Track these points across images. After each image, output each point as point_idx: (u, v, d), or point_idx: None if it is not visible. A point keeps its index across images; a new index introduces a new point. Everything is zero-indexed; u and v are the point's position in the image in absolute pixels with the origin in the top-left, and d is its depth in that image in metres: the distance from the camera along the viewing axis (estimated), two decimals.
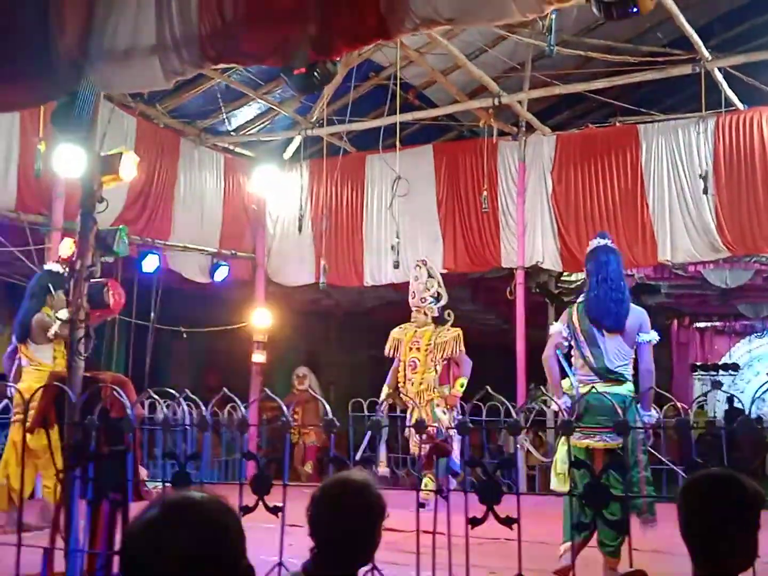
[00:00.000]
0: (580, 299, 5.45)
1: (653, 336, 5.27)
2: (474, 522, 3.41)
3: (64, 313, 6.67)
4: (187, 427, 4.25)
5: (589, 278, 5.40)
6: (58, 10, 4.41)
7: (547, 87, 9.61)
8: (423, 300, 8.40)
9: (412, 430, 7.37)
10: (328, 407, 3.91)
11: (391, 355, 8.45)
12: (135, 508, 3.95)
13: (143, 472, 4.68)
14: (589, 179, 9.85)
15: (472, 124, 10.99)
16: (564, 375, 5.42)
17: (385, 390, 8.37)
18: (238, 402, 4.07)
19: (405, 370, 8.27)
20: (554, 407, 5.49)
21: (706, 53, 8.37)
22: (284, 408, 3.98)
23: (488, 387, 3.85)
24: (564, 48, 8.49)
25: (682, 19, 7.66)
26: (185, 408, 4.42)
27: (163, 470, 8.56)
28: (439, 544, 3.71)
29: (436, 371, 8.16)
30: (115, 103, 8.70)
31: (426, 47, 9.43)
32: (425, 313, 8.36)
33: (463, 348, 8.24)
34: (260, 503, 3.73)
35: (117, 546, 4.02)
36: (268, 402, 8.41)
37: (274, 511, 3.66)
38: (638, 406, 5.05)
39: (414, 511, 3.69)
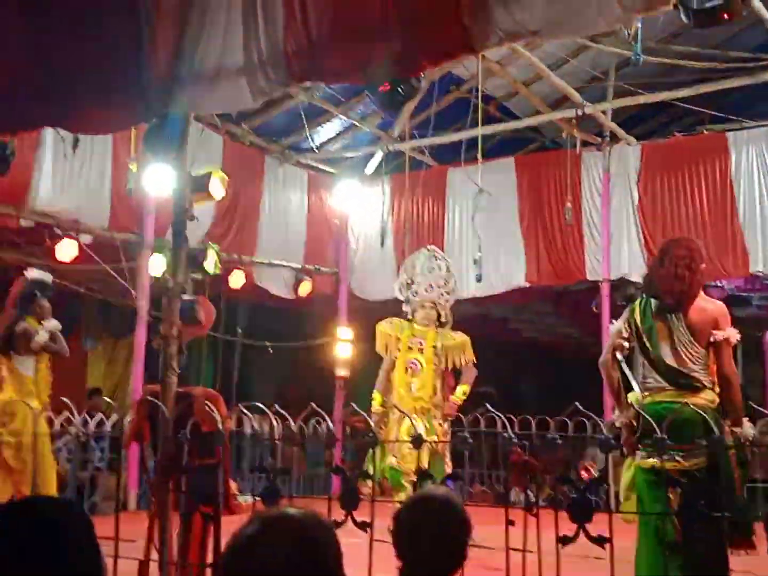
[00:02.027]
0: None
1: (732, 333, 4.36)
2: (565, 540, 3.35)
3: (51, 324, 6.45)
4: (276, 441, 4.30)
5: (653, 263, 4.72)
6: (150, 35, 4.53)
7: (631, 96, 9.45)
8: (442, 296, 7.38)
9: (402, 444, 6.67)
10: (416, 422, 3.89)
11: (384, 353, 7.40)
12: (226, 521, 4.02)
13: (233, 486, 4.75)
14: (677, 189, 9.64)
15: (555, 135, 10.88)
16: (628, 384, 4.70)
17: (377, 397, 7.24)
18: (326, 416, 4.10)
19: (400, 371, 7.22)
20: (616, 420, 4.52)
21: None
22: (371, 423, 3.99)
23: (577, 403, 3.79)
24: (648, 56, 8.33)
25: None
26: (273, 422, 4.47)
27: (250, 483, 8.73)
28: (529, 560, 3.67)
29: (441, 378, 7.26)
30: (203, 123, 8.92)
31: (507, 59, 9.39)
32: (438, 312, 7.34)
33: (471, 356, 7.31)
34: (348, 518, 3.74)
35: (209, 558, 4.10)
36: (352, 416, 8.45)
37: (363, 526, 3.66)
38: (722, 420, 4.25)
39: (502, 527, 3.65)
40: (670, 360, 4.30)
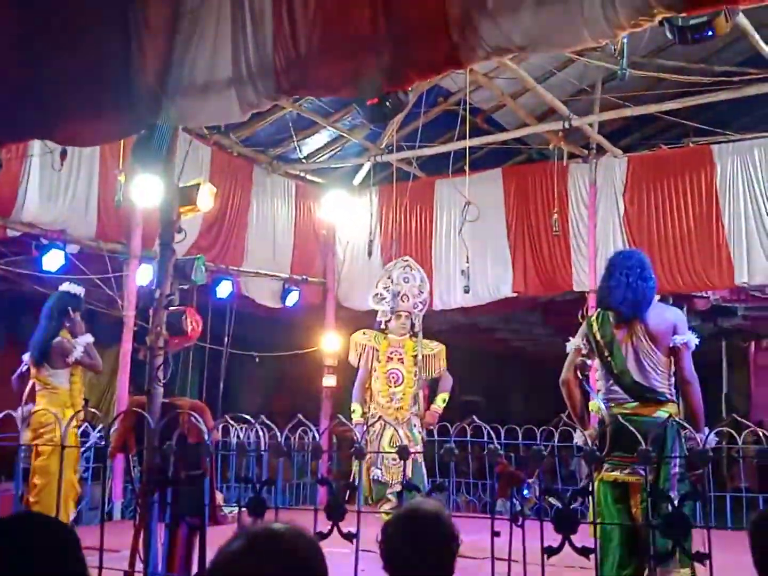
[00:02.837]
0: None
1: (691, 337, 4.38)
2: (550, 551, 3.37)
3: (85, 339, 6.58)
4: (262, 452, 4.31)
5: (602, 278, 4.63)
6: (139, 47, 4.54)
7: (617, 109, 9.52)
8: (416, 306, 7.42)
9: (384, 455, 6.76)
10: (401, 433, 3.91)
11: (357, 364, 7.41)
12: (212, 532, 4.02)
13: (219, 497, 4.75)
14: (662, 201, 9.71)
15: (541, 147, 10.94)
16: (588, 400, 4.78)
17: (357, 409, 7.23)
18: (312, 428, 4.11)
19: (382, 382, 7.24)
20: (577, 439, 4.50)
21: None
22: (357, 434, 4.00)
23: (563, 415, 3.81)
24: (635, 69, 8.40)
25: (757, 37, 7.53)
26: (259, 433, 4.47)
27: (236, 493, 8.71)
28: (515, 570, 3.68)
29: (419, 386, 7.28)
30: (190, 134, 8.93)
31: (495, 71, 9.45)
32: (412, 321, 7.37)
33: (445, 365, 7.42)
34: (334, 528, 3.74)
35: (194, 569, 4.10)
36: (338, 426, 8.45)
37: (349, 537, 3.67)
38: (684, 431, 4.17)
39: (488, 537, 3.66)
40: (633, 372, 4.33)
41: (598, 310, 4.62)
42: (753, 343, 15.77)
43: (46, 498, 5.95)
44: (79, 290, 6.84)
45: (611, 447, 3.84)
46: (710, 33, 3.31)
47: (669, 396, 4.35)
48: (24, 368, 6.64)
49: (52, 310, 6.61)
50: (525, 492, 3.93)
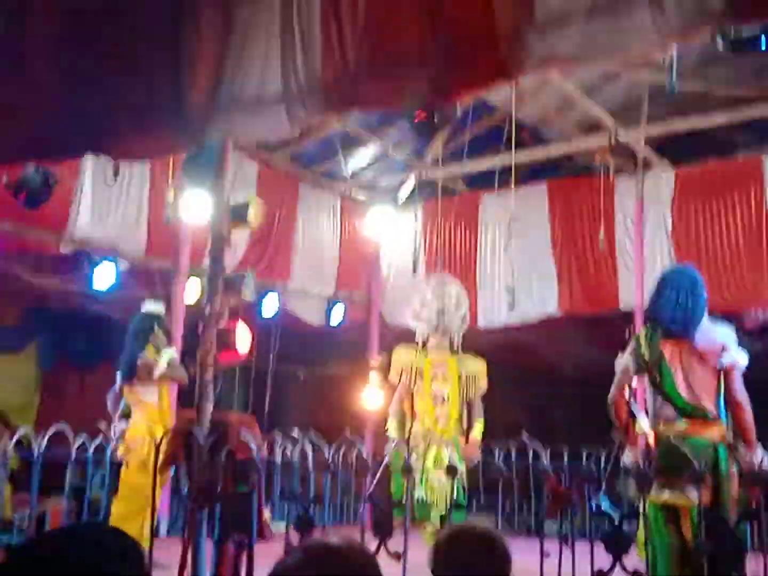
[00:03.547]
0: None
1: (740, 357, 4.27)
2: (600, 574, 3.29)
3: (169, 354, 6.77)
4: (309, 469, 4.30)
5: (653, 293, 4.56)
6: (190, 62, 4.60)
7: (665, 122, 9.40)
8: (454, 321, 7.06)
9: (427, 473, 6.40)
10: (448, 452, 3.86)
11: (397, 381, 7.07)
12: (259, 548, 4.01)
13: (266, 513, 4.74)
14: (711, 216, 9.55)
15: (587, 161, 10.84)
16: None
17: (394, 425, 6.93)
18: (360, 447, 4.08)
19: (428, 402, 6.93)
20: (625, 459, 4.36)
21: None
22: (405, 453, 3.97)
23: (615, 436, 3.73)
24: (683, 81, 8.29)
25: None
26: (305, 450, 4.47)
27: (281, 509, 8.70)
28: None
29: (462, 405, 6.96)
30: (238, 150, 9.02)
31: (541, 85, 9.40)
32: (451, 340, 7.06)
33: (486, 383, 7.02)
34: (381, 547, 3.71)
35: None
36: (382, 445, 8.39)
37: (396, 555, 3.63)
38: (736, 451, 4.10)
39: (535, 558, 3.60)
40: (682, 391, 4.25)
41: (647, 326, 4.54)
42: None
43: (125, 511, 6.05)
44: (160, 308, 7.10)
45: (661, 468, 3.77)
46: (763, 46, 3.24)
47: (718, 416, 4.25)
48: (117, 387, 6.85)
49: (138, 329, 6.85)
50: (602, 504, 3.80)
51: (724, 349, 4.26)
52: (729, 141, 10.08)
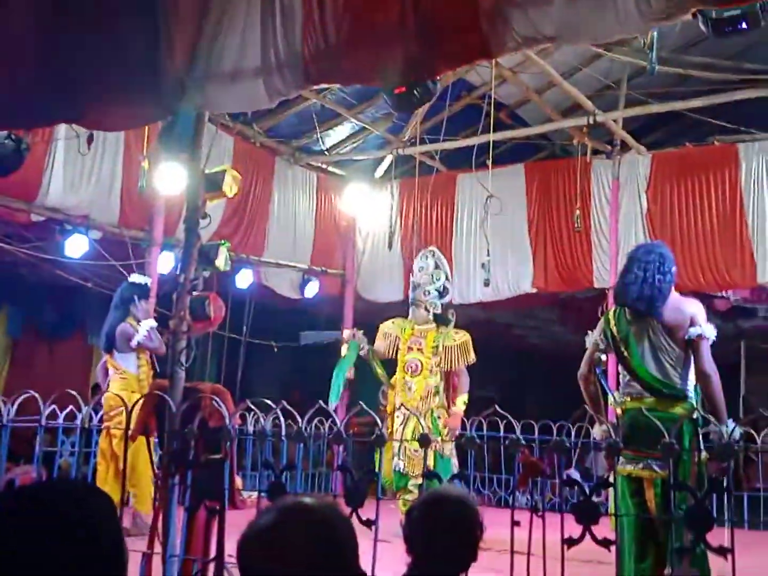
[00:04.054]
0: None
1: (707, 329, 4.28)
2: (570, 542, 3.36)
3: (147, 323, 6.91)
4: (282, 438, 4.32)
5: (620, 272, 4.62)
6: (167, 35, 4.56)
7: (643, 105, 9.46)
8: (426, 293, 7.32)
9: (406, 444, 6.76)
10: (423, 422, 3.91)
11: (383, 351, 7.43)
12: (230, 517, 4.03)
13: (238, 482, 4.77)
14: (686, 199, 9.64)
15: (565, 143, 10.89)
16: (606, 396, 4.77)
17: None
18: (334, 416, 4.12)
19: (400, 371, 7.27)
20: (595, 433, 4.48)
21: None
22: (379, 422, 4.01)
23: (586, 407, 3.80)
24: (662, 65, 8.34)
25: None
26: (279, 420, 4.49)
27: (252, 480, 8.74)
28: (534, 564, 3.68)
29: (441, 377, 7.20)
30: (214, 123, 8.96)
31: (520, 66, 9.41)
32: (426, 309, 7.31)
33: (472, 356, 7.25)
34: (352, 516, 3.75)
35: (212, 553, 4.11)
36: (355, 417, 8.46)
37: (368, 524, 3.67)
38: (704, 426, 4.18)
39: (505, 529, 3.66)
40: (650, 368, 4.30)
41: (616, 305, 4.60)
42: None
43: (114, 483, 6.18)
44: (145, 279, 7.26)
45: (626, 441, 3.82)
46: (744, 26, 3.28)
47: (686, 393, 4.31)
48: (104, 359, 7.08)
49: (118, 300, 7.05)
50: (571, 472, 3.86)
51: (692, 321, 4.29)
52: (706, 125, 10.17)
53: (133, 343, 6.87)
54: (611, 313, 4.55)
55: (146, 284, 7.20)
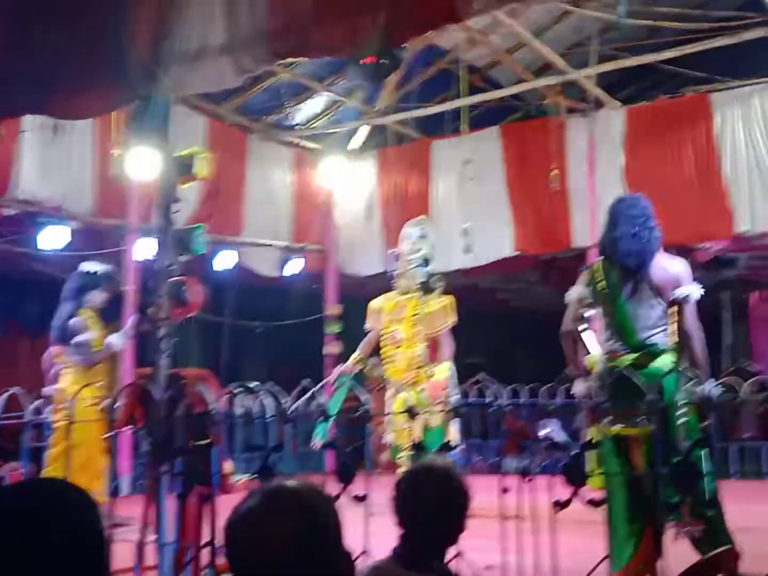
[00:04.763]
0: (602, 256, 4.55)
1: (693, 290, 4.28)
2: (559, 504, 3.37)
3: (114, 338, 6.76)
4: (269, 419, 4.30)
5: (605, 226, 4.50)
6: (131, 18, 4.49)
7: (615, 60, 9.40)
8: (409, 262, 7.21)
9: (393, 416, 6.64)
10: (409, 395, 3.89)
11: (370, 328, 7.32)
12: (222, 501, 4.02)
13: (228, 466, 4.76)
14: (662, 152, 9.61)
15: (539, 102, 10.83)
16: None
17: (355, 355, 7.23)
18: (319, 393, 4.10)
19: (385, 344, 7.17)
20: (576, 390, 4.39)
21: None
22: (362, 398, 3.99)
23: (567, 371, 3.79)
24: (632, 18, 8.27)
25: None
26: (264, 401, 4.47)
27: (243, 463, 8.74)
28: (523, 528, 3.69)
29: (426, 346, 7.06)
30: (184, 104, 8.84)
31: (489, 28, 9.32)
32: (408, 278, 7.19)
33: (455, 318, 7.10)
34: (344, 492, 3.75)
35: (205, 539, 4.11)
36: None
37: (359, 499, 3.68)
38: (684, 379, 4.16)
39: (495, 496, 3.67)
40: (635, 324, 4.26)
41: (600, 259, 4.50)
42: (754, 294, 15.77)
43: (58, 473, 6.04)
44: (97, 267, 6.96)
45: (611, 399, 3.82)
46: None
47: (665, 347, 4.28)
48: (50, 350, 6.83)
49: (69, 291, 6.82)
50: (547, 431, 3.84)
51: (678, 281, 4.28)
52: (679, 76, 10.13)
53: (74, 341, 6.68)
54: (596, 267, 4.45)
55: (98, 273, 6.93)
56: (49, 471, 6.24)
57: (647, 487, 3.86)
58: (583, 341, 4.51)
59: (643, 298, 4.28)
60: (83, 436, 5.87)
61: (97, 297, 6.85)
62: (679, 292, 4.26)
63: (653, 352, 4.24)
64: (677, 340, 4.31)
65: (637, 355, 4.23)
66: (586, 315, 4.54)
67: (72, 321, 6.68)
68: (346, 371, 6.99)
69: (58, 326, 6.74)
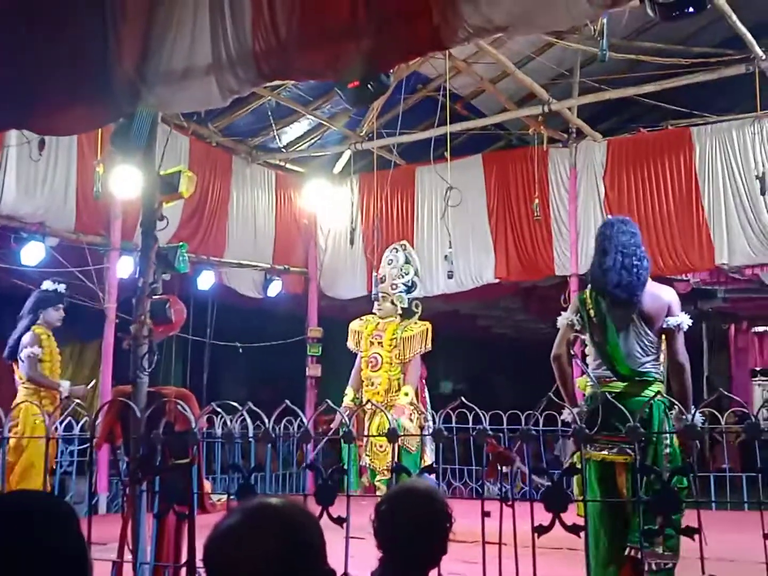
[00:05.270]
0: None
1: (684, 320, 4.26)
2: (540, 530, 3.37)
3: (26, 352, 6.78)
4: (250, 440, 4.29)
5: (595, 250, 4.47)
6: (116, 36, 4.50)
7: (596, 92, 9.54)
8: (394, 287, 7.39)
9: (371, 439, 6.78)
10: (391, 418, 3.90)
11: (354, 350, 7.51)
12: (200, 521, 4.00)
13: (207, 485, 4.73)
14: (642, 184, 9.75)
15: (521, 132, 10.95)
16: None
17: (350, 393, 7.36)
18: (301, 414, 4.10)
19: (364, 367, 7.29)
20: (565, 416, 4.34)
21: (759, 52, 8.24)
22: (346, 419, 3.99)
23: (551, 394, 3.80)
24: (613, 52, 8.40)
25: (734, 18, 7.55)
26: (246, 421, 4.46)
27: (222, 483, 8.68)
28: (505, 554, 3.69)
29: (401, 370, 7.18)
30: (169, 124, 8.86)
31: (474, 57, 9.43)
32: (393, 303, 7.37)
33: (429, 345, 7.24)
34: (323, 514, 3.73)
35: (183, 558, 4.07)
36: (322, 415, 8.44)
37: (339, 521, 3.66)
38: (670, 411, 4.16)
39: (477, 521, 3.66)
40: (624, 353, 4.23)
41: (592, 288, 4.47)
42: (732, 326, 15.92)
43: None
44: (57, 286, 7.09)
45: (598, 426, 3.76)
46: (691, 9, 3.31)
47: (656, 375, 4.28)
48: (34, 361, 6.93)
49: (28, 308, 6.95)
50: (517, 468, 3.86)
51: (669, 310, 4.26)
52: (659, 110, 10.28)
53: (22, 354, 6.80)
54: (587, 294, 4.43)
55: (57, 290, 7.08)
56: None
57: (629, 513, 3.87)
58: (572, 365, 4.50)
59: (633, 328, 4.26)
60: (32, 451, 5.95)
61: (53, 315, 6.96)
62: (672, 322, 4.24)
63: (645, 381, 4.22)
64: (662, 369, 4.31)
65: (626, 383, 4.21)
66: (578, 338, 4.54)
67: (26, 336, 6.79)
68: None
69: (11, 343, 6.88)
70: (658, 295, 4.32)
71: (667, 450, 4.10)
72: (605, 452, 4.14)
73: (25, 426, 6.54)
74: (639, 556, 3.86)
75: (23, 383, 6.83)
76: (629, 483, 4.03)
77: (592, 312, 4.34)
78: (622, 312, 4.28)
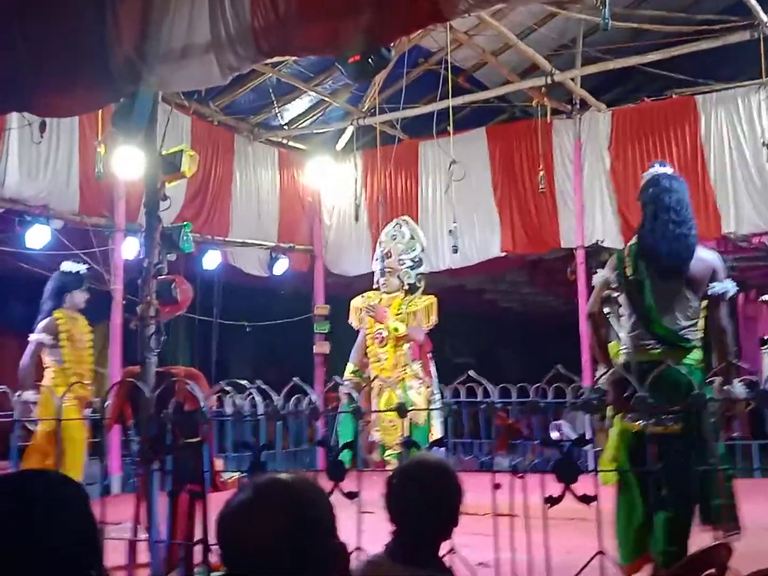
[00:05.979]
0: (633, 240, 4.27)
1: (729, 286, 4.03)
2: (551, 500, 3.38)
3: (33, 337, 6.78)
4: (259, 417, 4.30)
5: (644, 211, 4.19)
6: (114, 17, 4.49)
7: (599, 62, 9.45)
8: (401, 262, 7.34)
9: (380, 414, 6.74)
10: (397, 393, 3.90)
11: (357, 327, 7.50)
12: (213, 499, 4.02)
13: (218, 463, 4.75)
14: (648, 154, 9.66)
15: (524, 104, 10.88)
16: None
17: (350, 367, 7.37)
18: (310, 390, 4.11)
19: (370, 343, 7.27)
20: (599, 376, 4.20)
21: (764, 17, 8.15)
22: (354, 396, 4.00)
23: (558, 366, 3.80)
24: (616, 21, 8.31)
25: None
26: (257, 399, 4.47)
27: (234, 462, 8.72)
28: (516, 525, 3.70)
29: (409, 345, 7.20)
30: (169, 104, 8.82)
31: (475, 29, 9.35)
32: (399, 278, 7.32)
33: (435, 318, 7.23)
34: (334, 490, 3.75)
35: (197, 536, 4.10)
36: (331, 392, 8.47)
37: (350, 496, 3.68)
38: (708, 380, 3.99)
39: (487, 494, 3.68)
40: (664, 316, 4.04)
41: (630, 244, 4.24)
42: (741, 295, 15.86)
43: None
44: (77, 267, 7.07)
45: (637, 395, 3.56)
46: None
47: (695, 343, 4.08)
48: (32, 348, 6.88)
49: (48, 292, 6.92)
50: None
51: (714, 275, 4.06)
52: (663, 79, 10.19)
53: (31, 336, 6.81)
54: (627, 254, 4.20)
55: (79, 272, 7.06)
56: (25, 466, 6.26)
57: (664, 485, 3.73)
58: (606, 324, 4.33)
59: (676, 290, 4.06)
60: (64, 434, 5.96)
61: (78, 297, 6.93)
62: (719, 287, 4.04)
63: (685, 347, 4.04)
64: (701, 335, 4.13)
65: (664, 348, 4.03)
66: (613, 296, 4.36)
67: (46, 320, 6.77)
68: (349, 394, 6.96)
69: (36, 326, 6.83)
70: (703, 257, 4.11)
71: (712, 420, 3.88)
72: (642, 422, 3.88)
73: (46, 410, 6.45)
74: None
75: (46, 366, 6.84)
76: (668, 454, 3.77)
77: (629, 271, 4.13)
78: (667, 275, 4.08)
